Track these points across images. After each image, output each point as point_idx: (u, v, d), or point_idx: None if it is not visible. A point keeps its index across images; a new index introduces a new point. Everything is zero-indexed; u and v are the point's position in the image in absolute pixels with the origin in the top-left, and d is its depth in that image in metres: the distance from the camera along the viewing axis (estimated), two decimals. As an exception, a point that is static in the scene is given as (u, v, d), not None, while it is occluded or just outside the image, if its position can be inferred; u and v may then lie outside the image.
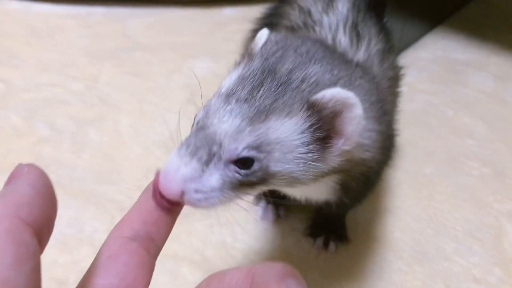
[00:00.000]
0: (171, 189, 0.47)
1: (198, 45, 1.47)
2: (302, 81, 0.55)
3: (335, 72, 0.59)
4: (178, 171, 0.49)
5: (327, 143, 0.56)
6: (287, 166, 0.54)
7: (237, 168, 0.52)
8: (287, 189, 0.70)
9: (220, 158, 0.51)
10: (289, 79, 0.55)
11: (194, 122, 0.56)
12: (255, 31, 1.11)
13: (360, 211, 0.98)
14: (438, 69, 1.47)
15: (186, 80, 1.30)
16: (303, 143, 0.55)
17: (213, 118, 0.53)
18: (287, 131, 0.53)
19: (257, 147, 0.52)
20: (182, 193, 0.48)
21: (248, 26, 1.16)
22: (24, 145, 1.04)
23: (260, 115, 0.52)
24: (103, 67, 1.30)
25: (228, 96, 0.54)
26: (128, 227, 0.47)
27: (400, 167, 1.09)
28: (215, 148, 0.51)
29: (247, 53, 0.62)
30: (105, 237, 0.44)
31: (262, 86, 0.54)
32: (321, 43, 0.69)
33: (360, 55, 0.80)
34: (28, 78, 1.23)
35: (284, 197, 0.82)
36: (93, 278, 0.42)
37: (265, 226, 0.93)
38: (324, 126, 0.55)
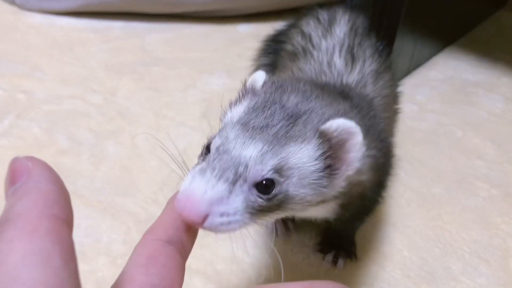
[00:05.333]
0: (195, 212, 0.49)
1: (213, 61, 1.51)
2: (311, 112, 0.60)
3: (335, 105, 0.65)
4: (206, 193, 0.51)
5: (333, 170, 0.60)
6: (303, 191, 0.58)
7: (259, 192, 0.55)
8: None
9: (245, 181, 0.53)
10: (298, 111, 0.59)
11: (205, 150, 0.60)
12: (265, 45, 1.17)
13: (369, 229, 1.00)
14: (449, 89, 1.49)
15: (201, 95, 1.34)
16: (316, 169, 0.58)
17: (234, 143, 0.55)
18: (304, 157, 0.57)
19: (279, 171, 0.55)
20: (206, 216, 0.50)
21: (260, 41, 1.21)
22: (45, 155, 1.07)
23: (279, 140, 0.56)
24: (121, 81, 1.34)
25: (244, 124, 0.57)
26: (162, 231, 0.49)
27: (410, 186, 1.12)
28: (241, 169, 0.53)
29: (247, 90, 0.66)
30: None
31: (274, 115, 0.58)
32: (313, 82, 0.77)
33: (354, 76, 0.87)
34: (49, 90, 1.27)
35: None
36: (135, 275, 0.43)
37: (275, 241, 0.96)
38: (332, 154, 0.59)
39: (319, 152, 0.58)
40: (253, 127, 0.57)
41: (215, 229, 0.52)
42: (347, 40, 0.93)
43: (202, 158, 0.60)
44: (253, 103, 0.61)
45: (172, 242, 0.48)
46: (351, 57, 0.90)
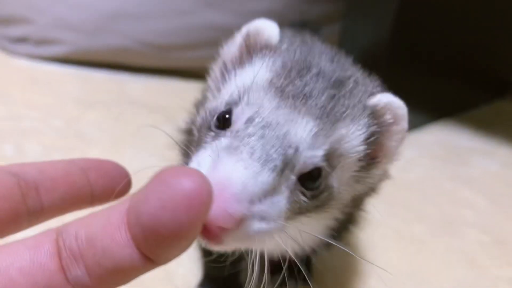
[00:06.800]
0: (231, 210, 0.35)
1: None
2: (353, 82, 0.49)
3: (369, 77, 0.54)
4: (248, 185, 0.36)
5: (372, 160, 0.48)
6: (343, 186, 0.45)
7: (302, 187, 0.41)
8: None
9: (292, 170, 0.40)
10: (339, 77, 0.48)
11: (215, 122, 0.45)
12: None
13: (333, 255, 0.85)
14: (440, 150, 1.39)
15: (173, 133, 1.26)
16: (360, 157, 0.47)
17: (277, 116, 0.42)
18: (354, 141, 0.45)
19: (330, 158, 0.42)
20: (241, 220, 0.36)
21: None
22: (-18, 160, 0.99)
23: (328, 117, 0.43)
24: (88, 112, 1.27)
25: (279, 90, 0.44)
26: (17, 167, 0.40)
27: (386, 224, 0.97)
28: (290, 154, 0.39)
29: (257, 44, 0.53)
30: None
31: (314, 82, 0.45)
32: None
33: None
34: (10, 111, 1.22)
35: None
36: None
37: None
38: (378, 139, 0.47)
39: (366, 134, 0.46)
40: (293, 95, 0.43)
41: (246, 238, 0.38)
42: None
43: (212, 134, 0.44)
44: (279, 64, 0.48)
45: (20, 176, 0.39)
46: None
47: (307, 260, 0.80)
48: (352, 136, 0.45)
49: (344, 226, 0.62)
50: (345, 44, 1.34)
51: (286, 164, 0.39)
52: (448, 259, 0.88)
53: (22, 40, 1.60)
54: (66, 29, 1.54)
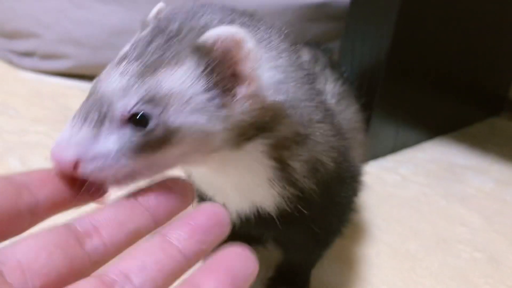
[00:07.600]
0: (63, 158, 0.45)
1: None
2: (191, 30, 0.52)
3: (228, 17, 0.55)
4: (70, 139, 0.46)
5: (229, 88, 0.52)
6: (189, 117, 0.49)
7: (133, 128, 0.48)
8: (215, 181, 0.64)
9: (112, 119, 0.47)
10: (179, 33, 0.52)
11: None
12: None
13: (327, 272, 0.88)
14: (435, 168, 1.42)
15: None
16: (200, 91, 0.50)
17: (102, 82, 0.50)
18: (178, 80, 0.50)
19: (151, 101, 0.48)
20: (77, 163, 0.45)
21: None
22: (-10, 173, 1.01)
23: (148, 69, 0.49)
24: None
25: (120, 60, 0.51)
26: (4, 175, 0.43)
27: (381, 240, 1.00)
28: (104, 109, 0.47)
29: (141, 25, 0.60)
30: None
31: (152, 42, 0.51)
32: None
33: None
34: (16, 124, 1.25)
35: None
36: None
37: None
38: (219, 70, 0.51)
39: (198, 70, 0.50)
40: (127, 62, 0.50)
41: (92, 176, 0.46)
42: (307, 66, 0.88)
43: None
44: (137, 37, 0.54)
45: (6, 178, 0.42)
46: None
47: (303, 276, 0.84)
48: (175, 77, 0.49)
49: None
50: (344, 62, 1.38)
51: (104, 117, 0.47)
52: (442, 276, 0.91)
53: (28, 54, 1.64)
54: (72, 44, 1.58)
